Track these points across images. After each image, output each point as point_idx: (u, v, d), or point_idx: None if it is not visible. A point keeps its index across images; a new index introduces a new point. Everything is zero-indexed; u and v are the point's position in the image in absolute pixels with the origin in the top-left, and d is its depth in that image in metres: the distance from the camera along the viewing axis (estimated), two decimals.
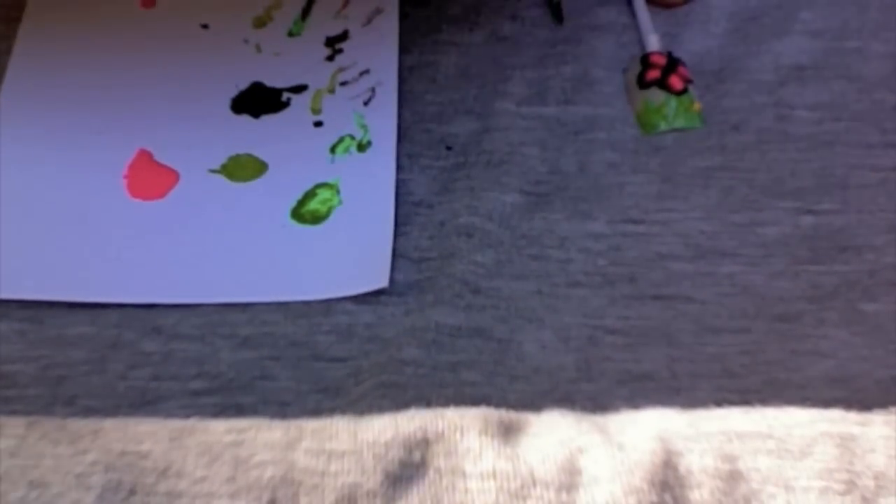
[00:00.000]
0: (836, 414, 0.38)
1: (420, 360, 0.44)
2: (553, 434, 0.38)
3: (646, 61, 0.54)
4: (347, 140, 0.52)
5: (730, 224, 0.49)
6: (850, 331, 0.45)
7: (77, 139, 0.51)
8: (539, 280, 0.47)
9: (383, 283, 0.46)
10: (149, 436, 0.38)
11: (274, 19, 0.57)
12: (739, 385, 0.43)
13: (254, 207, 0.50)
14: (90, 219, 0.49)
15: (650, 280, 0.47)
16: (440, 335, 0.45)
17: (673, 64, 0.54)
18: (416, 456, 0.37)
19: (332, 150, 0.51)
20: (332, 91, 0.54)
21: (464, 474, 0.36)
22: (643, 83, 0.53)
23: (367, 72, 0.54)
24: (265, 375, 0.44)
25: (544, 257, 0.48)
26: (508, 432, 0.38)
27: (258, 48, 0.55)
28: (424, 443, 0.37)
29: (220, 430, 0.38)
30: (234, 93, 0.54)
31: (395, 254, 0.48)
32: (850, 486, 0.36)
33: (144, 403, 0.43)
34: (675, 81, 0.53)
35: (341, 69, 0.54)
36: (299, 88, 0.54)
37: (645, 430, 0.38)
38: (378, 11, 0.56)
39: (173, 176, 0.51)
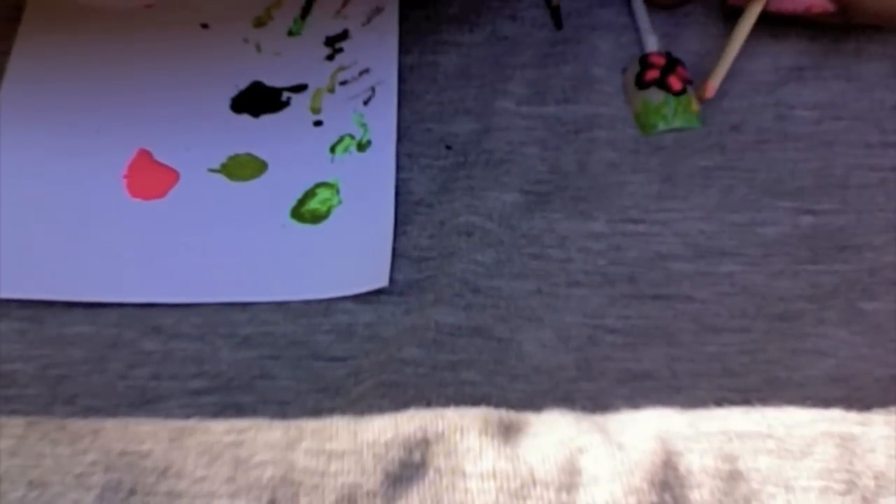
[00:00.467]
0: (836, 414, 0.38)
1: (420, 359, 0.44)
2: (553, 434, 0.38)
3: (645, 61, 0.54)
4: (347, 139, 0.52)
5: (729, 224, 0.49)
6: (850, 330, 0.45)
7: (77, 139, 0.51)
8: (539, 279, 0.47)
9: (383, 282, 0.46)
10: (149, 436, 0.38)
11: (274, 19, 0.56)
12: (739, 384, 0.43)
13: (253, 207, 0.50)
14: (90, 218, 0.49)
15: (650, 279, 0.47)
16: (440, 334, 0.45)
17: (672, 64, 0.54)
18: (416, 456, 0.37)
19: (332, 149, 0.51)
20: (331, 90, 0.54)
21: (464, 474, 0.36)
22: (642, 83, 0.53)
23: (366, 71, 0.54)
24: (265, 375, 0.44)
25: (544, 257, 0.48)
26: (508, 432, 0.38)
27: (258, 48, 0.55)
28: (424, 443, 0.37)
29: (220, 430, 0.38)
30: (233, 92, 0.54)
31: (395, 253, 0.48)
32: (851, 485, 0.36)
33: (144, 403, 0.43)
34: (674, 82, 0.53)
35: (341, 68, 0.54)
36: (299, 88, 0.54)
37: (645, 429, 0.38)
38: (378, 11, 0.56)
39: (173, 175, 0.51)
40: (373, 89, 0.53)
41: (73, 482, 0.36)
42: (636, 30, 0.57)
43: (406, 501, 0.36)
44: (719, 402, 0.40)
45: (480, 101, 0.54)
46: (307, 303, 0.46)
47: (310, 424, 0.38)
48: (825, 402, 0.39)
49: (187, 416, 0.39)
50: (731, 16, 0.54)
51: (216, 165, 0.51)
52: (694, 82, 0.54)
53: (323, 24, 0.56)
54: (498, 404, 0.40)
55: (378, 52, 0.55)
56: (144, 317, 0.46)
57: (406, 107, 0.53)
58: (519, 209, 0.49)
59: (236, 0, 0.57)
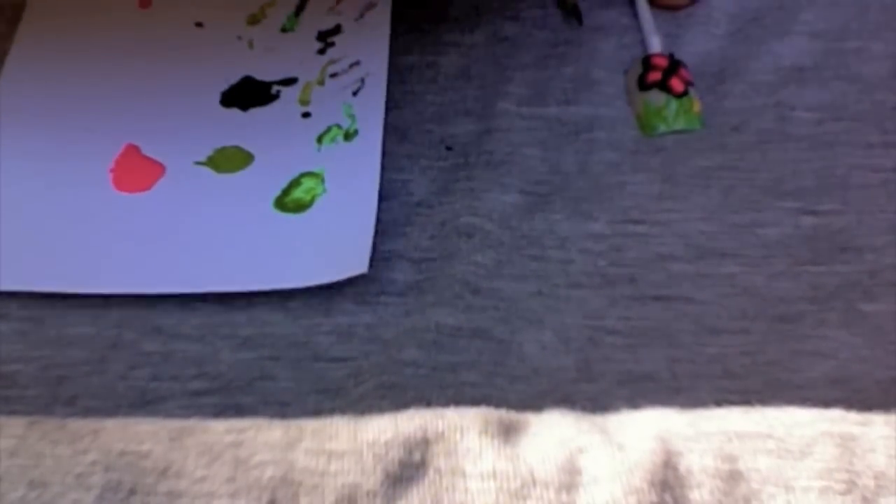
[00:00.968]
0: (836, 414, 0.38)
1: (420, 360, 0.44)
2: (553, 434, 0.38)
3: (647, 63, 0.54)
4: (335, 129, 0.52)
5: (730, 225, 0.49)
6: (851, 331, 0.45)
7: (68, 133, 0.52)
8: (539, 281, 0.47)
9: (363, 268, 0.46)
10: (149, 436, 0.38)
11: (268, 16, 0.57)
12: (740, 386, 0.43)
13: (238, 198, 0.50)
14: (75, 212, 0.49)
15: (650, 281, 0.47)
16: (440, 336, 0.45)
17: (674, 66, 0.54)
18: (416, 456, 0.37)
19: (319, 139, 0.52)
20: (321, 83, 0.54)
21: (464, 474, 0.36)
22: (644, 85, 0.53)
23: (357, 63, 0.54)
24: (265, 376, 0.44)
25: (545, 258, 0.48)
26: (508, 432, 0.38)
27: (251, 44, 0.55)
28: (424, 443, 0.37)
29: (220, 430, 0.38)
30: (224, 87, 0.54)
31: (395, 254, 0.48)
32: (851, 485, 0.36)
33: (144, 403, 0.43)
34: (676, 83, 0.53)
35: (332, 61, 0.54)
36: (289, 81, 0.54)
37: (645, 430, 0.38)
38: (371, 6, 0.56)
39: (159, 169, 0.51)
40: (362, 80, 0.53)
41: (74, 482, 0.36)
42: (639, 31, 0.57)
43: (406, 501, 0.36)
44: (719, 404, 0.40)
45: (481, 101, 0.54)
46: (307, 303, 0.46)
47: (310, 424, 0.38)
48: (825, 404, 0.39)
49: (187, 417, 0.39)
50: None
51: (203, 158, 0.51)
52: (696, 84, 0.54)
53: (316, 19, 0.56)
54: (498, 405, 0.40)
55: (369, 45, 0.55)
56: (145, 318, 0.46)
57: (406, 107, 0.53)
58: (519, 210, 0.49)
59: None
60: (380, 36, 0.55)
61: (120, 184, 0.50)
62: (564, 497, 0.36)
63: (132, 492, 0.36)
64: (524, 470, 0.36)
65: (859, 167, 0.51)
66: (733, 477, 0.36)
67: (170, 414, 0.42)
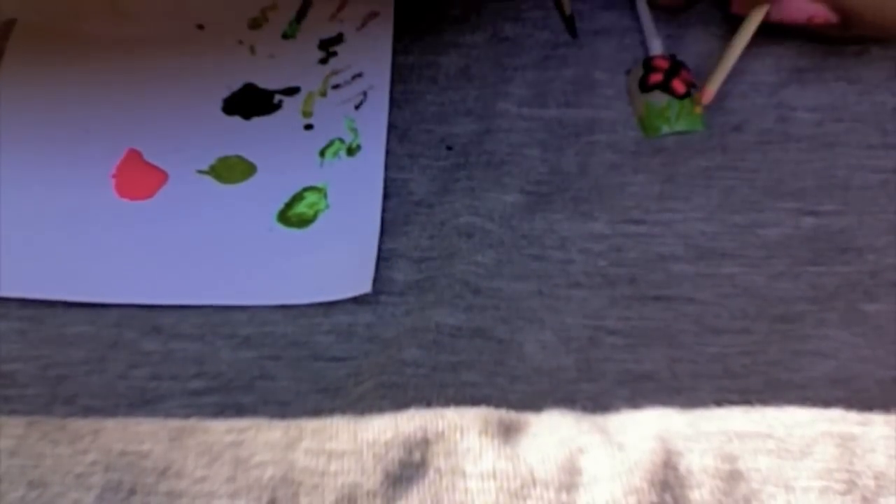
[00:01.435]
0: (836, 414, 0.38)
1: (420, 360, 0.44)
2: (553, 434, 0.38)
3: (648, 64, 0.54)
4: (337, 144, 0.51)
5: (731, 225, 0.49)
6: (851, 331, 0.45)
7: (68, 138, 0.51)
8: (540, 280, 0.47)
9: (366, 288, 0.46)
10: (149, 436, 0.38)
11: (269, 21, 0.56)
12: (740, 385, 0.43)
13: (240, 210, 0.49)
14: (76, 218, 0.49)
15: (651, 281, 0.47)
16: (440, 335, 0.45)
17: (676, 67, 0.54)
18: (416, 456, 0.37)
19: (322, 153, 0.51)
20: (323, 94, 0.53)
21: (464, 474, 0.36)
22: (645, 86, 0.53)
23: (359, 75, 0.54)
24: (265, 375, 0.44)
25: (545, 258, 0.48)
26: (508, 432, 0.38)
27: (252, 49, 0.55)
28: (424, 443, 0.37)
29: (220, 430, 0.38)
30: (226, 94, 0.53)
31: (396, 254, 0.48)
32: (851, 485, 0.36)
33: (144, 403, 0.43)
34: (678, 85, 0.53)
35: (334, 72, 0.54)
36: (291, 91, 0.54)
37: (645, 429, 0.38)
38: (373, 15, 0.56)
39: (161, 176, 0.50)
40: (365, 94, 0.53)
41: (73, 482, 0.36)
42: (640, 32, 0.57)
43: (406, 501, 0.36)
44: (720, 404, 0.40)
45: (481, 102, 0.54)
46: (307, 303, 0.46)
47: (310, 424, 0.38)
48: (826, 404, 0.39)
49: (187, 417, 0.39)
50: (734, 22, 0.54)
51: (205, 167, 0.51)
52: (698, 85, 0.54)
53: (318, 27, 0.56)
54: (498, 405, 0.40)
55: (371, 57, 0.54)
56: (145, 317, 0.46)
57: (406, 107, 0.53)
58: (520, 210, 0.49)
59: (232, 1, 0.57)
60: (382, 47, 0.55)
61: (122, 190, 0.50)
62: (564, 497, 0.36)
63: (132, 492, 0.36)
64: (524, 470, 0.36)
65: (860, 168, 0.51)
66: (733, 477, 0.36)
67: (169, 413, 0.42)
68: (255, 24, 0.56)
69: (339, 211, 0.49)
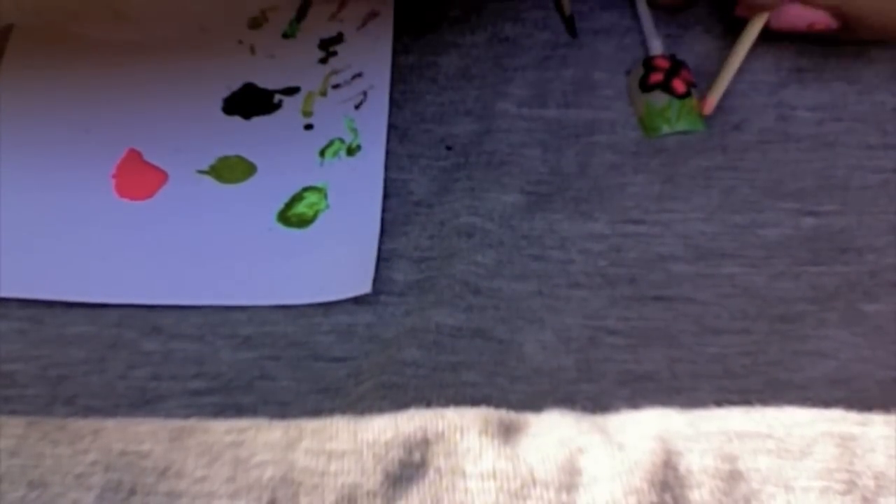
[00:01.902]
0: (836, 414, 0.38)
1: (420, 360, 0.44)
2: (553, 434, 0.38)
3: (648, 65, 0.54)
4: (337, 143, 0.51)
5: (731, 225, 0.49)
6: (851, 332, 0.45)
7: (68, 137, 0.51)
8: (540, 281, 0.47)
9: (366, 289, 0.46)
10: (149, 436, 0.38)
11: (269, 20, 0.56)
12: (740, 386, 0.43)
13: (240, 209, 0.49)
14: (77, 219, 0.49)
15: (651, 281, 0.47)
16: (440, 336, 0.45)
17: (676, 67, 0.54)
18: (416, 456, 0.37)
19: (322, 153, 0.51)
20: (324, 94, 0.53)
21: (464, 474, 0.36)
22: (645, 86, 0.53)
23: (359, 75, 0.54)
24: (265, 375, 0.44)
25: (545, 258, 0.48)
26: (508, 432, 0.38)
27: (252, 49, 0.55)
28: (424, 443, 0.37)
29: (220, 430, 0.38)
30: (226, 93, 0.53)
31: (395, 254, 0.48)
32: (850, 486, 0.36)
33: (144, 403, 0.43)
34: (678, 84, 0.53)
35: (334, 72, 0.54)
36: (291, 90, 0.54)
37: (645, 429, 0.38)
38: (373, 15, 0.56)
39: (161, 176, 0.50)
40: (365, 94, 0.53)
41: (73, 482, 0.36)
42: (640, 32, 0.56)
43: (406, 501, 0.36)
44: (720, 404, 0.40)
45: (481, 102, 0.54)
46: (307, 303, 0.46)
47: (310, 424, 0.38)
48: (826, 404, 0.39)
49: (187, 417, 0.39)
50: (734, 23, 0.54)
51: (205, 167, 0.51)
52: (698, 84, 0.54)
53: (318, 26, 0.56)
54: (498, 406, 0.40)
55: (372, 57, 0.54)
56: (145, 317, 0.46)
57: (406, 107, 0.53)
58: (520, 210, 0.49)
59: (232, 1, 0.57)
60: (382, 47, 0.55)
61: (122, 190, 0.50)
62: (564, 497, 0.36)
63: (132, 492, 0.36)
64: (524, 470, 0.36)
65: (859, 168, 0.51)
66: (733, 477, 0.36)
67: (170, 413, 0.42)
68: (255, 24, 0.56)
69: (339, 211, 0.49)
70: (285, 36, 0.56)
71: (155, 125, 0.52)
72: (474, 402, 0.40)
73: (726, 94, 0.53)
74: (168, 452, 0.37)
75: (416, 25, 0.56)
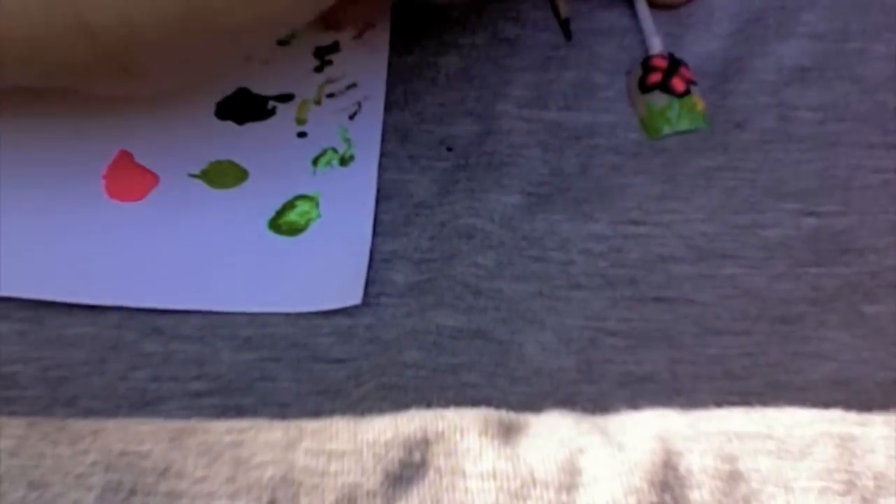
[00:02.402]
0: (835, 414, 0.38)
1: (421, 362, 0.44)
2: (553, 434, 0.38)
3: (647, 65, 0.54)
4: (330, 153, 0.51)
5: (731, 226, 0.49)
6: (852, 333, 0.45)
7: (60, 138, 0.51)
8: (540, 282, 0.47)
9: (356, 300, 0.46)
10: (149, 436, 0.38)
11: None
12: (741, 387, 0.43)
13: (231, 215, 0.49)
14: (68, 219, 0.48)
15: (651, 282, 0.47)
16: (441, 337, 0.45)
17: (674, 66, 0.54)
18: (416, 456, 0.37)
19: (314, 162, 0.51)
20: (318, 102, 0.53)
21: (464, 474, 0.36)
22: (645, 87, 0.53)
23: (354, 85, 0.54)
24: (265, 377, 0.44)
25: (545, 259, 0.48)
26: (508, 433, 0.38)
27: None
28: (424, 443, 0.37)
29: (220, 430, 0.38)
30: (219, 98, 0.53)
31: (396, 255, 0.48)
32: (850, 486, 0.36)
33: (144, 404, 0.43)
34: (677, 83, 0.53)
35: (329, 81, 0.54)
36: (285, 98, 0.53)
37: (645, 430, 0.38)
38: (370, 25, 0.56)
39: (152, 178, 0.50)
40: (359, 104, 0.53)
41: (74, 482, 0.36)
42: (639, 32, 0.56)
43: (406, 501, 0.36)
44: (720, 405, 0.40)
45: (481, 103, 0.54)
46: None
47: (310, 425, 0.38)
48: (826, 405, 0.39)
49: (188, 418, 0.39)
50: (735, 22, 0.54)
51: (196, 171, 0.51)
52: (698, 82, 0.54)
53: (314, 34, 0.56)
54: (499, 407, 0.40)
55: (367, 67, 0.54)
56: (145, 318, 0.46)
57: (407, 108, 0.53)
58: (520, 211, 0.49)
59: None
60: (378, 58, 0.55)
61: (112, 191, 0.50)
62: (564, 497, 0.36)
63: (132, 492, 0.36)
64: (524, 470, 0.36)
65: (861, 168, 0.51)
66: (733, 477, 0.36)
67: (170, 415, 0.42)
68: None
69: (330, 221, 0.49)
70: (280, 42, 0.56)
71: (146, 128, 0.52)
72: (475, 403, 0.40)
73: (728, 94, 0.54)
74: (168, 453, 0.37)
75: (416, 26, 0.56)
